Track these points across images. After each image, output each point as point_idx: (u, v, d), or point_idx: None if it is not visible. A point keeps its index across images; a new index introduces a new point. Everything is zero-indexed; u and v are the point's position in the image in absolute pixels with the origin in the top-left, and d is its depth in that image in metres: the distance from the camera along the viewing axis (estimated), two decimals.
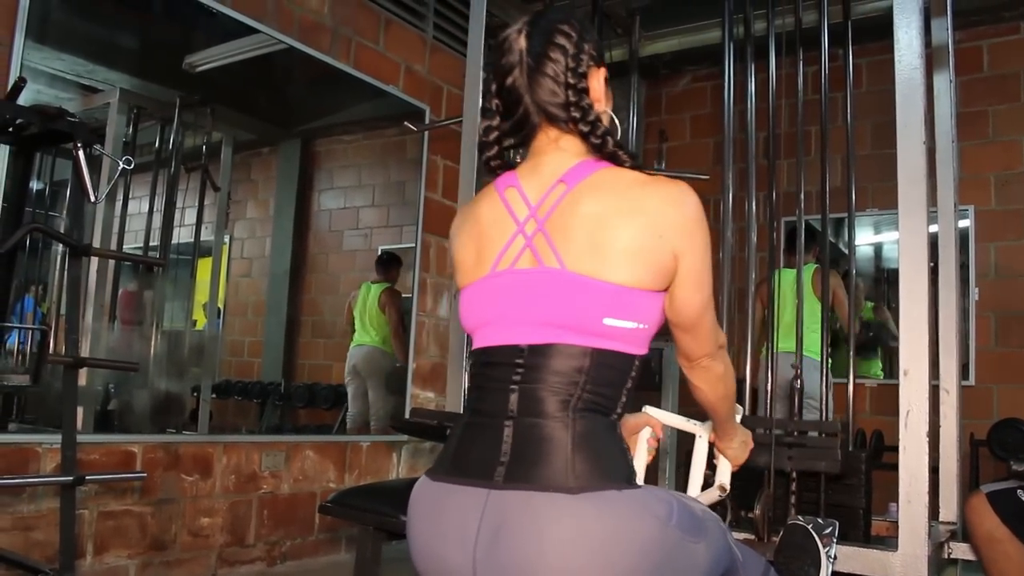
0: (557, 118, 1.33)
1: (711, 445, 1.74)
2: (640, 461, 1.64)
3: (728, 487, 1.72)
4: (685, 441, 1.77)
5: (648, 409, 1.70)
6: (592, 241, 1.24)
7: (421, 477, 1.32)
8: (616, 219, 1.24)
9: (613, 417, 1.27)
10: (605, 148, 1.32)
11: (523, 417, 1.22)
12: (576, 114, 1.31)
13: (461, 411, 2.82)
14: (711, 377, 1.43)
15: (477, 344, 1.34)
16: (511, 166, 1.41)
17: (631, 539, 1.15)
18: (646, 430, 1.66)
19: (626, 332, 1.25)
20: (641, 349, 1.28)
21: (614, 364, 1.25)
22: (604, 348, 1.24)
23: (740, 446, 1.69)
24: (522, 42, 1.33)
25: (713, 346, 1.39)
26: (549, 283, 1.25)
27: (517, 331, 1.27)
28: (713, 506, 1.60)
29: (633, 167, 1.32)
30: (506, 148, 1.41)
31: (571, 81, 1.31)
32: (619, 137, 1.37)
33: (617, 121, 1.42)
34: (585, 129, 1.32)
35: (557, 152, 1.34)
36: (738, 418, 1.68)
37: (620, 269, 1.23)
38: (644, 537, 1.16)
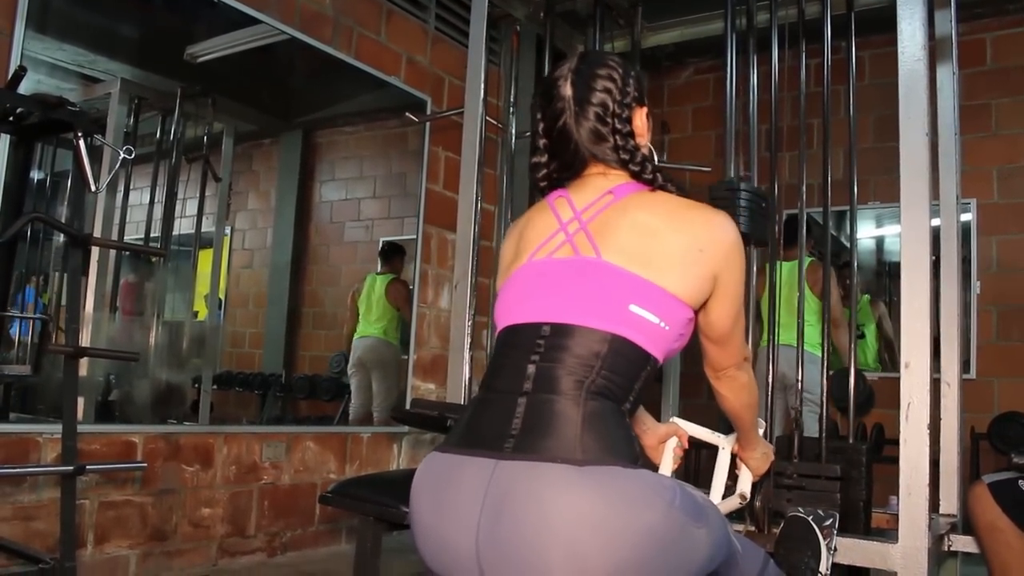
0: (606, 159, 1.43)
1: (733, 456, 1.83)
2: (666, 469, 1.74)
3: (748, 496, 1.81)
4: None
5: (676, 420, 1.79)
6: (634, 245, 1.32)
7: (429, 454, 1.33)
8: (661, 229, 1.33)
9: (623, 407, 1.29)
10: (655, 182, 1.42)
11: (537, 393, 1.25)
12: (625, 156, 1.41)
13: (462, 402, 2.82)
14: (736, 386, 1.53)
15: (501, 325, 1.39)
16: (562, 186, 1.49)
17: (637, 518, 1.15)
18: (673, 439, 1.75)
19: (648, 325, 1.29)
20: (658, 351, 1.32)
21: (629, 355, 1.28)
22: (623, 336, 1.27)
23: (762, 457, 1.80)
24: (568, 90, 1.42)
25: (740, 358, 1.50)
26: (582, 268, 1.32)
27: (542, 310, 1.31)
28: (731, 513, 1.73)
29: (678, 196, 1.42)
30: (556, 180, 1.49)
31: (618, 126, 1.41)
32: (656, 162, 1.46)
33: (655, 152, 1.50)
34: (636, 169, 1.42)
35: (606, 177, 1.44)
36: (760, 432, 1.78)
37: (657, 271, 1.30)
38: (650, 518, 1.16)
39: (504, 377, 1.30)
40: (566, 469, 1.16)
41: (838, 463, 2.44)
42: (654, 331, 1.29)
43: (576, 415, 1.21)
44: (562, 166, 1.47)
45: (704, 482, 1.86)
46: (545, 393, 1.25)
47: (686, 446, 1.76)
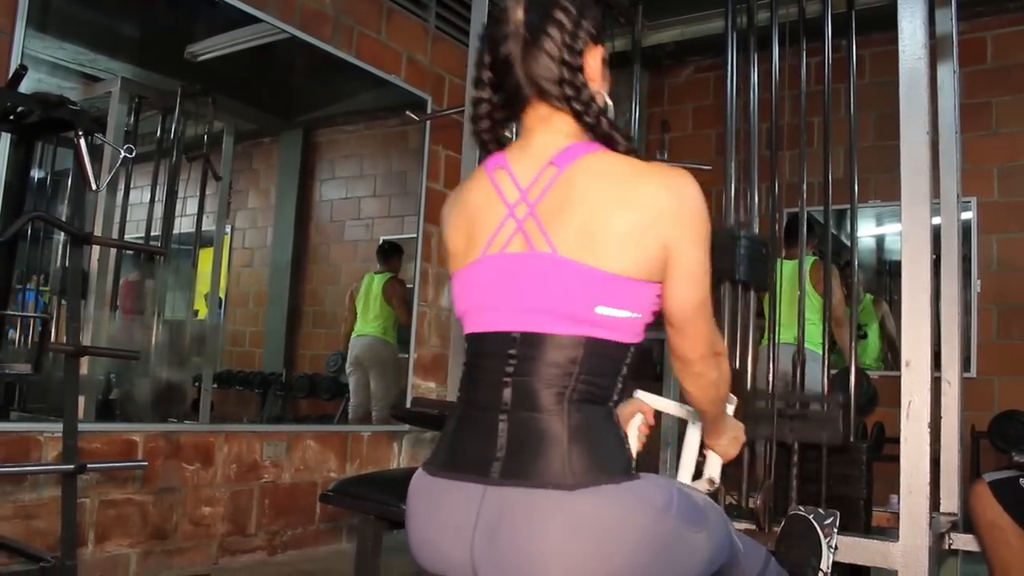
0: (549, 94, 1.29)
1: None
2: (631, 449, 1.54)
3: (718, 480, 1.67)
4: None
5: (639, 394, 1.64)
6: (583, 227, 1.21)
7: (419, 469, 1.30)
8: (608, 206, 1.21)
9: (609, 405, 1.24)
10: (598, 128, 1.29)
11: (517, 411, 1.20)
12: (570, 92, 1.27)
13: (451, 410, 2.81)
14: (703, 383, 1.37)
15: (468, 329, 1.31)
16: (502, 143, 1.37)
17: (630, 531, 1.14)
18: (638, 416, 1.61)
19: (619, 321, 1.22)
20: (635, 338, 1.26)
21: (608, 353, 1.23)
22: (597, 337, 1.21)
23: (731, 442, 1.63)
24: (519, 15, 1.29)
25: (707, 349, 1.32)
26: (540, 268, 1.22)
27: (509, 317, 1.24)
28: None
29: (628, 151, 1.29)
30: (496, 122, 1.37)
31: (567, 58, 1.27)
32: (614, 119, 1.34)
33: (611, 103, 1.38)
34: (579, 108, 1.28)
35: (548, 132, 1.30)
36: (731, 409, 1.63)
37: (611, 257, 1.19)
38: (642, 528, 1.15)
39: (482, 391, 1.25)
40: (557, 495, 1.13)
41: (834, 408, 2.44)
42: (626, 324, 1.23)
43: (561, 431, 1.17)
44: (504, 102, 1.33)
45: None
46: (526, 411, 1.20)
47: (652, 423, 1.61)
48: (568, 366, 1.20)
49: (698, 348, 1.31)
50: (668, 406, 1.69)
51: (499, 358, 1.23)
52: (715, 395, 1.41)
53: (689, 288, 1.25)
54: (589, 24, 1.31)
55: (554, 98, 1.28)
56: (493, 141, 1.37)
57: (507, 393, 1.21)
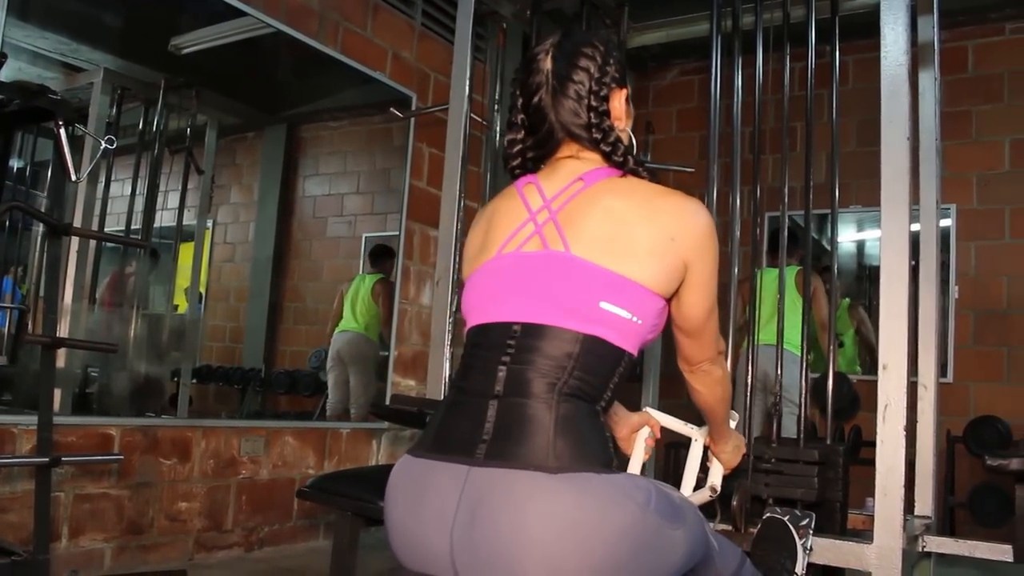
0: (580, 137, 1.41)
1: (705, 449, 1.83)
2: (637, 459, 1.73)
3: (719, 489, 1.81)
4: (666, 436, 1.82)
5: (648, 410, 1.78)
6: (604, 234, 1.30)
7: (402, 456, 1.32)
8: (632, 218, 1.31)
9: (597, 407, 1.27)
10: (626, 166, 1.40)
11: (508, 397, 1.23)
12: (597, 135, 1.39)
13: (442, 399, 2.81)
14: (711, 381, 1.52)
15: (471, 323, 1.36)
16: (533, 171, 1.47)
17: (610, 522, 1.15)
18: (645, 429, 1.74)
19: (620, 321, 1.27)
20: (632, 346, 1.30)
21: (603, 354, 1.27)
22: (596, 335, 1.26)
23: (734, 451, 1.80)
24: (548, 63, 1.41)
25: (714, 351, 1.48)
26: (551, 264, 1.30)
27: (512, 308, 1.29)
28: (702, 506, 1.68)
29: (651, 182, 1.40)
30: (529, 160, 1.47)
31: (593, 104, 1.39)
32: (635, 151, 1.46)
33: (634, 138, 1.51)
34: (607, 149, 1.39)
35: (578, 160, 1.42)
36: (733, 424, 1.77)
37: (627, 262, 1.28)
38: (623, 521, 1.16)
39: (474, 379, 1.29)
40: (539, 477, 1.15)
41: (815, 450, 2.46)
42: (626, 326, 1.28)
43: (548, 419, 1.20)
44: (536, 144, 1.45)
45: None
46: (516, 396, 1.23)
47: (658, 436, 1.76)
48: (563, 359, 1.25)
49: (708, 350, 1.47)
50: (675, 424, 1.83)
51: (497, 348, 1.28)
52: (722, 392, 1.57)
53: (705, 299, 1.38)
54: (613, 69, 1.43)
55: (584, 140, 1.41)
56: (522, 170, 1.48)
57: (500, 380, 1.25)
